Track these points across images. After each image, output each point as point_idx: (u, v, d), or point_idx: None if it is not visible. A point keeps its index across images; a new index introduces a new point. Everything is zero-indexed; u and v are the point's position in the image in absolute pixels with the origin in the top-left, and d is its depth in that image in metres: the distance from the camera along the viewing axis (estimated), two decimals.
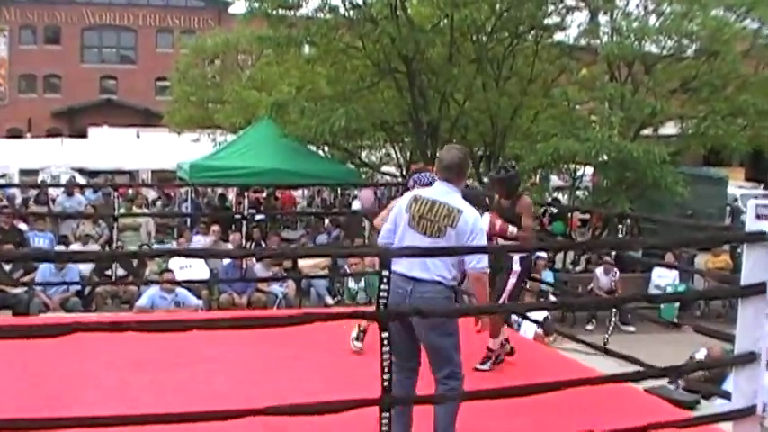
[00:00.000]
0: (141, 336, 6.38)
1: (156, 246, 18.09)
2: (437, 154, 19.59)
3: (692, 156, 26.17)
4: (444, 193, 6.05)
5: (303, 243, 20.52)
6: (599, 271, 18.28)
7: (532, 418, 6.84)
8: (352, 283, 15.69)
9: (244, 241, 14.40)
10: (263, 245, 17.75)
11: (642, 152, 17.88)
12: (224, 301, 15.19)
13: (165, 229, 20.96)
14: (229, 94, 26.18)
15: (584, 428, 5.59)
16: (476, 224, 5.98)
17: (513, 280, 8.34)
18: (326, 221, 22.78)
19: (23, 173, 29.29)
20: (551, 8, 20.61)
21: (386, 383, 5.01)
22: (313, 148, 21.98)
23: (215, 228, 17.82)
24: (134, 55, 56.01)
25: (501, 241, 8.29)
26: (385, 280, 5.09)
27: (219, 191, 26.84)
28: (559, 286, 15.18)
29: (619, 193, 19.12)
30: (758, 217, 5.90)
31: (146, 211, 22.07)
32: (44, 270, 14.41)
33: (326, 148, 23.23)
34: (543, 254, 17.21)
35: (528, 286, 15.48)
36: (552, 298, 15.57)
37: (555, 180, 23.73)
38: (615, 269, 18.08)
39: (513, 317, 12.69)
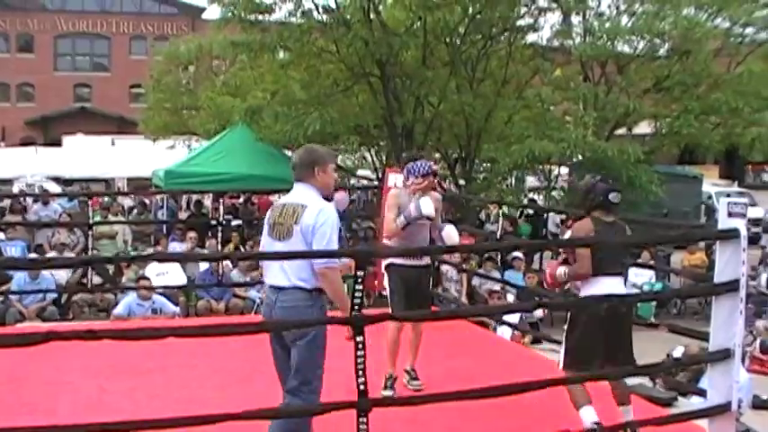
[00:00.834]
0: (118, 343, 6.41)
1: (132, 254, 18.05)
2: None
3: (666, 154, 26.32)
4: (296, 193, 5.93)
5: None
6: None
7: (511, 419, 6.87)
8: None
9: (220, 247, 14.34)
10: (242, 251, 17.73)
11: (616, 151, 17.97)
12: (201, 307, 15.16)
13: (142, 237, 20.88)
14: (204, 100, 26.13)
15: (561, 428, 5.62)
16: (320, 217, 5.72)
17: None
18: None
19: None
20: (524, 10, 20.67)
21: (361, 387, 5.02)
22: (288, 152, 21.98)
23: (191, 234, 17.79)
24: (108, 62, 55.91)
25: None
26: (359, 281, 5.09)
27: (195, 197, 26.77)
28: (524, 289, 15.14)
29: None
30: (730, 215, 5.97)
31: (121, 218, 22.00)
32: (19, 279, 14.34)
33: None
34: (519, 254, 17.23)
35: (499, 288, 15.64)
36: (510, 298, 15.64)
37: (531, 181, 23.77)
38: None
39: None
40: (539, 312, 14.22)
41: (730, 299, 5.96)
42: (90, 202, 14.70)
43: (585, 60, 20.53)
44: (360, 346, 5.02)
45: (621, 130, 21.48)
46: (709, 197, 28.10)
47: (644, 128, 22.71)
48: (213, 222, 13.81)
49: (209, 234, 18.09)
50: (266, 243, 5.93)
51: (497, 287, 15.88)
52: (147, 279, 13.98)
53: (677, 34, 19.53)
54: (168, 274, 15.02)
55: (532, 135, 18.48)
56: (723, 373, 6.03)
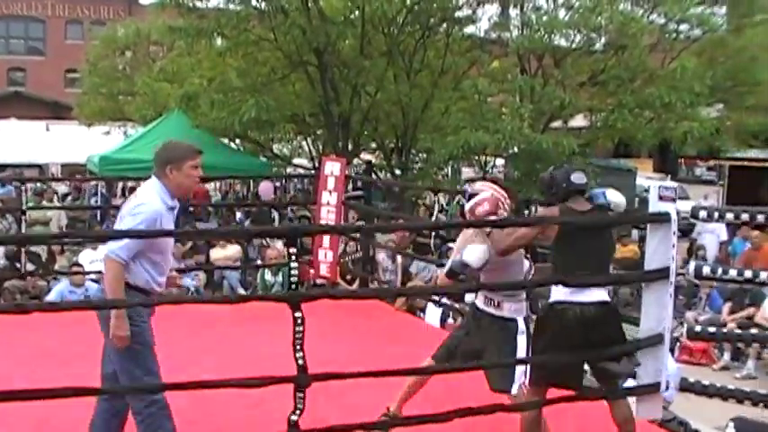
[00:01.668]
0: (50, 330, 6.38)
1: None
2: (348, 146, 19.69)
3: (601, 148, 26.54)
4: (140, 187, 5.81)
5: None
6: None
7: (437, 404, 6.93)
8: (268, 276, 15.62)
9: None
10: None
11: (552, 144, 18.10)
12: None
13: (76, 223, 20.71)
14: (140, 86, 25.92)
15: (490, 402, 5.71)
16: (127, 208, 5.68)
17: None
18: (239, 214, 22.69)
19: None
20: (462, 1, 20.75)
21: (300, 362, 5.08)
22: (225, 140, 21.89)
23: None
24: (43, 46, 55.17)
25: None
26: (294, 258, 5.12)
27: (130, 184, 26.58)
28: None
29: (529, 184, 19.29)
30: (661, 198, 6.06)
31: (56, 204, 21.81)
32: None
33: (238, 141, 23.16)
34: (453, 244, 17.27)
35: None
36: None
37: (467, 172, 23.87)
38: (526, 260, 18.19)
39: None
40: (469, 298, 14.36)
41: (661, 283, 6.07)
42: (24, 187, 14.51)
43: (522, 53, 20.64)
44: (298, 321, 5.03)
45: (557, 123, 21.63)
46: (645, 190, 28.39)
47: (579, 121, 22.88)
48: None
49: None
50: None
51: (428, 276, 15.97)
52: (81, 266, 13.88)
53: (613, 29, 19.71)
54: (102, 261, 14.91)
55: (468, 126, 18.52)
56: (653, 356, 6.14)
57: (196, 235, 17.38)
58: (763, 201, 26.62)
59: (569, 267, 5.97)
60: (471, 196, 6.27)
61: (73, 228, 20.25)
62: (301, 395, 5.11)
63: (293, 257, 5.20)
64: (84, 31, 49.65)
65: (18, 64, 54.58)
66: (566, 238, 6.03)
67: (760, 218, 6.48)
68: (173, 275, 6.01)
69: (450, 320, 13.07)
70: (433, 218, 16.75)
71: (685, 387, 6.74)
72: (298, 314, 5.04)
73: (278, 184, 24.92)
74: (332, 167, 12.15)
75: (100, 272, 14.10)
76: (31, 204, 17.52)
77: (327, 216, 11.98)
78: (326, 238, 12.14)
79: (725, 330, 11.30)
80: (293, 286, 5.17)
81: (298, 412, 5.13)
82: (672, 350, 6.63)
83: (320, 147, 22.55)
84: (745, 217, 6.65)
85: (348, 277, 15.13)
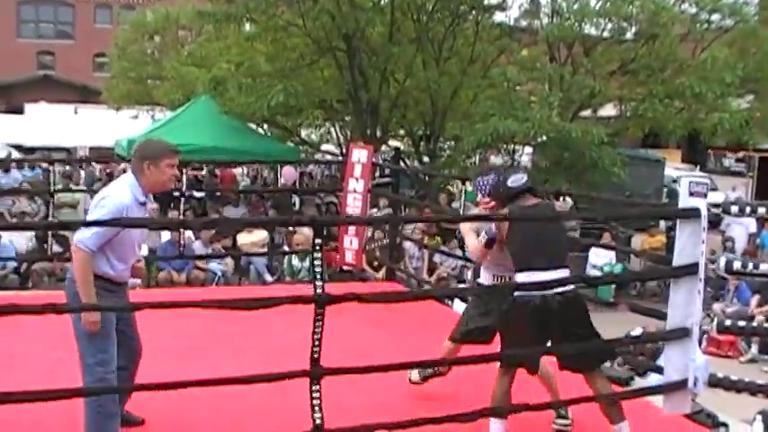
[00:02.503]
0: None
1: None
2: (377, 133, 19.65)
3: (630, 137, 26.40)
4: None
5: None
6: None
7: (459, 388, 6.90)
8: (296, 261, 15.59)
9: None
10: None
11: (580, 133, 18.00)
12: (162, 278, 15.11)
13: None
14: (169, 70, 25.96)
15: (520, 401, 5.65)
16: (95, 200, 5.81)
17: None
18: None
19: None
20: None
21: (315, 355, 5.08)
22: (253, 126, 21.89)
23: (153, 205, 17.68)
24: (72, 30, 55.33)
25: None
26: (318, 248, 5.08)
27: None
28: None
29: (557, 173, 19.23)
30: (691, 194, 5.98)
31: (83, 187, 21.86)
32: None
33: (266, 126, 23.16)
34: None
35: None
36: None
37: (494, 160, 23.78)
38: None
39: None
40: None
41: (689, 279, 5.99)
42: (52, 170, 14.57)
43: (552, 41, 20.54)
44: (318, 317, 5.03)
45: (586, 112, 21.53)
46: (673, 181, 28.25)
47: (609, 110, 22.76)
48: (176, 194, 13.70)
49: (171, 205, 18.02)
50: None
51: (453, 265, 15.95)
52: None
53: (644, 18, 19.59)
54: None
55: (497, 114, 18.45)
56: (680, 351, 6.06)
57: (223, 224, 17.44)
58: None
59: (524, 258, 6.04)
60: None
61: None
62: (316, 388, 5.11)
63: (318, 248, 5.14)
64: (113, 15, 49.72)
65: (47, 48, 54.78)
66: (517, 233, 6.12)
67: None
68: (138, 265, 6.03)
69: None
70: (456, 204, 16.69)
71: (714, 383, 6.66)
72: (320, 311, 5.04)
73: (305, 169, 24.89)
74: (359, 155, 12.08)
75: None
76: (59, 187, 17.56)
77: (354, 203, 11.91)
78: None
79: (755, 324, 11.19)
80: (318, 276, 5.12)
81: (318, 409, 5.10)
82: (699, 342, 6.56)
83: (348, 133, 22.51)
84: None
85: (375, 264, 15.12)
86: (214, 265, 15.79)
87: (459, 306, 12.92)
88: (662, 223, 21.31)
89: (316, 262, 5.07)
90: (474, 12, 20.51)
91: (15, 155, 28.39)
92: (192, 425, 6.35)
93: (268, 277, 16.55)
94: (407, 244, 15.70)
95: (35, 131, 31.25)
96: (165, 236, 15.58)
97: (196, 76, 22.64)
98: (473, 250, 6.71)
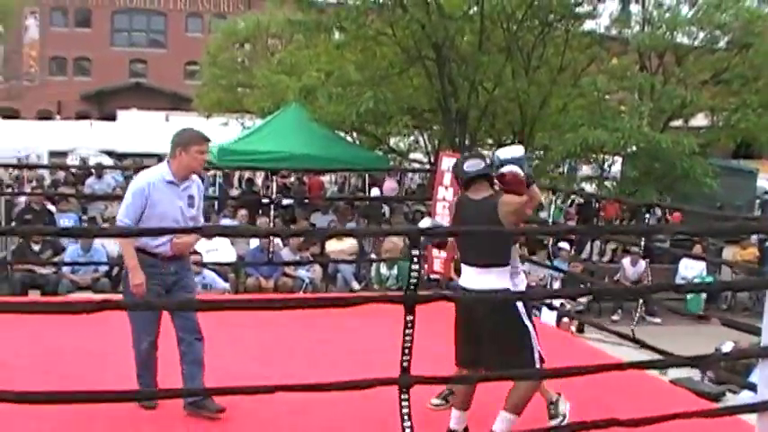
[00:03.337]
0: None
1: None
2: (465, 141, 19.60)
3: (722, 148, 26.03)
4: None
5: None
6: (626, 261, 18.18)
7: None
8: (384, 269, 15.58)
9: (272, 225, 14.41)
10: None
11: (671, 143, 17.82)
12: (250, 284, 15.21)
13: None
14: (259, 78, 26.20)
15: (607, 416, 5.56)
16: (129, 186, 6.72)
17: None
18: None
19: (53, 154, 29.47)
20: None
21: (405, 364, 5.03)
22: (342, 134, 21.98)
23: (242, 212, 17.89)
24: (164, 39, 56.20)
25: None
26: (415, 260, 5.05)
27: (247, 175, 26.89)
28: (571, 276, 15.12)
29: (647, 183, 19.04)
30: None
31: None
32: (72, 251, 14.49)
33: (355, 135, 23.24)
34: (565, 244, 17.13)
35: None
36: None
37: (584, 170, 23.61)
38: (642, 260, 17.92)
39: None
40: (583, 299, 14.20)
41: None
42: None
43: (643, 50, 20.37)
44: (409, 324, 5.01)
45: (677, 122, 21.29)
46: (765, 192, 27.82)
47: (700, 120, 22.49)
48: (265, 200, 13.82)
49: (260, 212, 18.17)
50: None
51: (541, 275, 15.85)
52: (198, 254, 14.05)
53: (738, 26, 19.34)
54: (218, 251, 15.09)
55: (586, 124, 18.33)
56: None
57: (319, 233, 17.48)
58: None
59: (460, 252, 6.12)
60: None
61: None
62: (405, 397, 5.08)
63: (416, 259, 5.10)
64: (205, 23, 50.46)
65: (139, 56, 55.72)
66: (455, 225, 6.23)
67: None
68: (176, 241, 6.52)
69: (566, 319, 12.95)
70: (543, 214, 16.59)
71: None
72: (410, 317, 5.02)
73: (396, 178, 24.94)
74: (448, 163, 12.05)
75: (217, 263, 14.36)
76: None
77: (443, 212, 11.87)
78: None
79: None
80: (413, 288, 5.09)
81: (407, 418, 5.07)
82: None
83: (436, 142, 22.50)
84: None
85: None
86: (302, 272, 15.86)
87: (546, 316, 12.88)
88: (754, 236, 20.97)
89: (413, 273, 5.03)
90: (564, 20, 20.36)
91: (107, 161, 28.87)
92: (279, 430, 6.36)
93: (355, 285, 16.56)
94: None
95: (127, 138, 31.75)
96: (254, 242, 15.70)
97: (286, 84, 22.81)
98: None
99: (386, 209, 22.76)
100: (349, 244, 17.32)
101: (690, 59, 20.44)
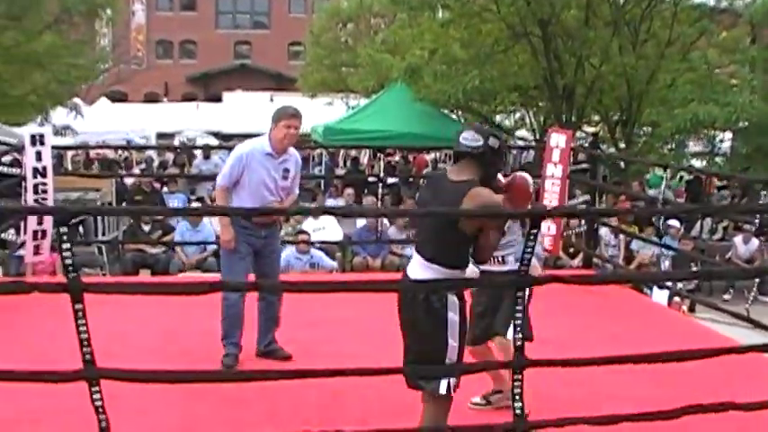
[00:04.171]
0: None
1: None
2: (572, 118, 19.38)
3: None
4: None
5: None
6: (738, 239, 17.82)
7: (668, 387, 6.69)
8: None
9: (380, 204, 14.44)
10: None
11: None
12: (358, 263, 15.25)
13: (301, 192, 21.13)
14: (363, 57, 26.23)
15: (722, 400, 5.41)
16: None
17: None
18: None
19: (160, 136, 29.92)
20: None
21: (518, 343, 4.98)
22: (446, 112, 21.90)
23: (348, 191, 17.95)
24: (267, 20, 56.58)
25: None
26: (531, 238, 4.95)
27: (353, 154, 26.98)
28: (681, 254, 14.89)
29: (759, 160, 18.65)
30: None
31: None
32: (181, 229, 14.70)
33: (460, 113, 23.13)
34: (675, 222, 16.83)
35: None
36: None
37: (692, 146, 23.16)
38: (755, 238, 17.56)
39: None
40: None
41: None
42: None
43: (755, 22, 19.89)
44: (519, 302, 4.95)
45: None
46: None
47: None
48: (371, 179, 13.82)
49: (366, 191, 18.21)
50: None
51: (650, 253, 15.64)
52: (306, 233, 14.14)
53: None
54: (325, 230, 15.16)
55: (696, 99, 17.98)
56: None
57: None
58: None
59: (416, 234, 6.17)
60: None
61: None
62: (519, 377, 4.97)
63: (531, 237, 4.98)
64: (308, 4, 50.65)
65: (244, 38, 56.17)
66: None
67: None
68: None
69: (677, 299, 12.76)
70: (652, 192, 16.32)
71: None
72: (520, 294, 4.96)
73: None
74: (557, 139, 11.91)
75: (324, 242, 14.44)
76: None
77: (552, 189, 11.76)
78: None
79: None
80: (525, 261, 5.00)
81: (518, 398, 4.98)
82: None
83: (542, 119, 22.30)
84: None
85: (571, 251, 14.94)
86: (409, 251, 15.85)
87: (658, 295, 12.70)
88: None
89: (527, 252, 4.94)
90: None
91: (213, 142, 29.20)
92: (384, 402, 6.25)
93: None
94: (603, 231, 15.43)
95: (232, 119, 32.05)
96: (361, 221, 15.74)
97: (390, 63, 22.79)
98: None
99: None
100: None
101: None
